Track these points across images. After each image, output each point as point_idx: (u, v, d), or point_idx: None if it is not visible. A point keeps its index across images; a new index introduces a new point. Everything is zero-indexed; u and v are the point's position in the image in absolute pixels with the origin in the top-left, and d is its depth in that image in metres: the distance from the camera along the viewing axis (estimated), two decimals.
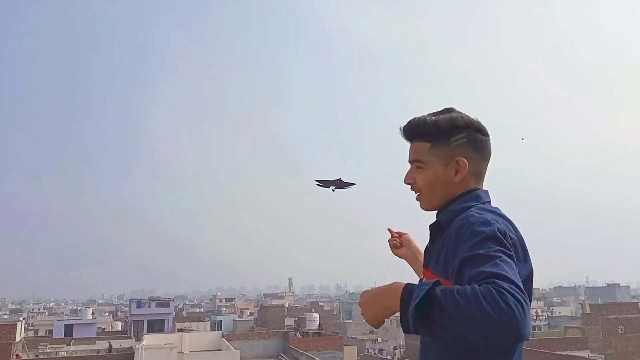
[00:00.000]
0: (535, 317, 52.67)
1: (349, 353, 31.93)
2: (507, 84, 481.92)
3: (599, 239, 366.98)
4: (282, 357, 30.38)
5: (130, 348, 27.29)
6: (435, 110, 1.49)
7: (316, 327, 39.74)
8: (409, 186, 1.53)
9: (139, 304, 42.91)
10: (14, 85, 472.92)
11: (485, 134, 1.47)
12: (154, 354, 23.64)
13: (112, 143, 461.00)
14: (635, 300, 50.16)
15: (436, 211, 1.50)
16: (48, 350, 28.46)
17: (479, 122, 1.46)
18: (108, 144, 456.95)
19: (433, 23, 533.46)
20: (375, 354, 38.47)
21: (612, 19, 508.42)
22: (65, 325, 41.02)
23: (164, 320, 41.40)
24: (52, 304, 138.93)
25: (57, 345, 30.22)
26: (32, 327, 49.37)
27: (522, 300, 1.05)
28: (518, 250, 1.29)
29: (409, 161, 1.51)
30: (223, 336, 31.52)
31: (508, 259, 1.17)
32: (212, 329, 41.30)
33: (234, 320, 51.38)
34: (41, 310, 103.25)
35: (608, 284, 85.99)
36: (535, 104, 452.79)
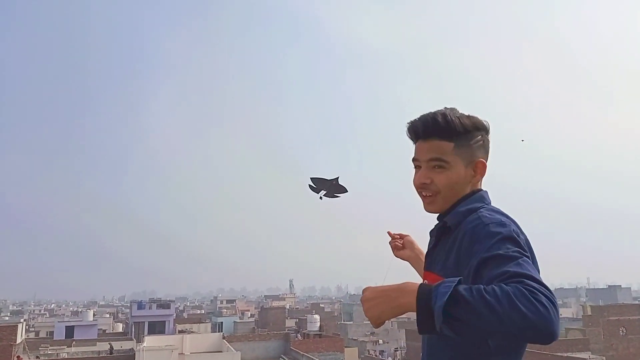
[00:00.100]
0: None
1: (350, 355, 31.91)
2: (506, 85, 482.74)
3: (600, 241, 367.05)
4: (283, 358, 30.37)
5: (131, 349, 27.30)
6: (438, 109, 1.45)
7: (317, 328, 39.75)
8: (416, 187, 1.47)
9: (140, 306, 42.92)
10: (13, 85, 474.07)
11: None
12: (155, 356, 23.64)
13: (113, 144, 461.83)
14: (637, 302, 50.18)
15: (436, 213, 1.49)
16: (49, 352, 28.47)
17: (489, 124, 1.47)
18: (109, 145, 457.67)
19: (433, 23, 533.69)
20: (376, 355, 38.45)
21: (611, 20, 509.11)
22: (66, 326, 41.03)
23: (164, 321, 41.41)
24: (53, 305, 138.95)
25: (58, 347, 30.25)
26: (33, 329, 49.37)
27: (554, 300, 1.06)
28: (527, 252, 1.28)
29: (423, 159, 1.44)
30: (224, 338, 31.51)
31: (528, 260, 1.17)
32: (213, 331, 41.27)
33: (234, 321, 51.34)
34: (42, 311, 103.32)
35: (609, 286, 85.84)
36: (535, 104, 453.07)
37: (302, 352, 28.52)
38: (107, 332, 46.33)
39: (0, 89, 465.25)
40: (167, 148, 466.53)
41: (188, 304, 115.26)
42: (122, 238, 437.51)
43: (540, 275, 1.32)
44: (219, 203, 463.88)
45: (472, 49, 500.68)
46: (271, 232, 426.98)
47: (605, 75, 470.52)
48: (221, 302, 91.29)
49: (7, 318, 71.52)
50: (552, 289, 1.04)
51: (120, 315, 77.69)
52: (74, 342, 32.94)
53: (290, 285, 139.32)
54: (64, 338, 36.82)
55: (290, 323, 50.77)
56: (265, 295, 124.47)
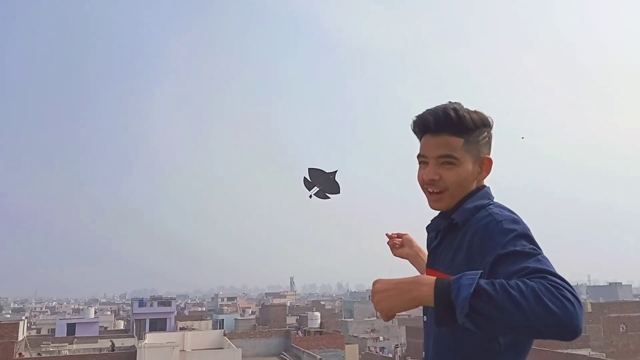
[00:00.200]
0: None
1: (351, 351, 31.93)
2: (506, 84, 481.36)
3: (601, 239, 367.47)
4: (284, 355, 30.42)
5: (133, 347, 27.35)
6: (445, 103, 1.41)
7: (318, 325, 39.86)
8: (421, 183, 1.43)
9: (141, 303, 43.08)
10: (14, 85, 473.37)
11: None
12: (156, 353, 23.69)
13: (113, 143, 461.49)
14: (637, 299, 50.22)
15: (441, 210, 1.46)
16: (50, 349, 28.57)
17: (493, 120, 1.46)
18: (109, 144, 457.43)
19: (433, 23, 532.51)
20: (376, 352, 38.54)
21: (611, 20, 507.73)
22: (67, 324, 41.18)
23: (166, 319, 41.53)
24: (54, 303, 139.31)
25: (60, 344, 30.37)
26: (34, 326, 49.54)
27: (578, 296, 1.05)
28: (541, 249, 1.28)
29: (432, 156, 1.39)
30: (225, 335, 31.56)
31: (546, 257, 1.17)
32: (214, 328, 41.38)
33: (235, 319, 51.45)
34: (43, 309, 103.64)
35: (610, 283, 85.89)
36: (535, 104, 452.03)
37: (302, 349, 28.55)
38: (108, 329, 46.41)
39: (1, 89, 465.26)
40: (167, 147, 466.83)
41: (189, 302, 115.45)
42: (123, 236, 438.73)
43: None
44: (219, 202, 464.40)
45: (472, 49, 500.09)
46: (272, 230, 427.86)
47: (606, 75, 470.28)
48: (222, 300, 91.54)
49: (8, 316, 71.60)
50: None
51: (121, 312, 77.87)
52: (75, 340, 33.03)
53: (291, 282, 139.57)
54: (65, 335, 36.96)
55: (291, 320, 50.89)
56: (266, 293, 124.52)
